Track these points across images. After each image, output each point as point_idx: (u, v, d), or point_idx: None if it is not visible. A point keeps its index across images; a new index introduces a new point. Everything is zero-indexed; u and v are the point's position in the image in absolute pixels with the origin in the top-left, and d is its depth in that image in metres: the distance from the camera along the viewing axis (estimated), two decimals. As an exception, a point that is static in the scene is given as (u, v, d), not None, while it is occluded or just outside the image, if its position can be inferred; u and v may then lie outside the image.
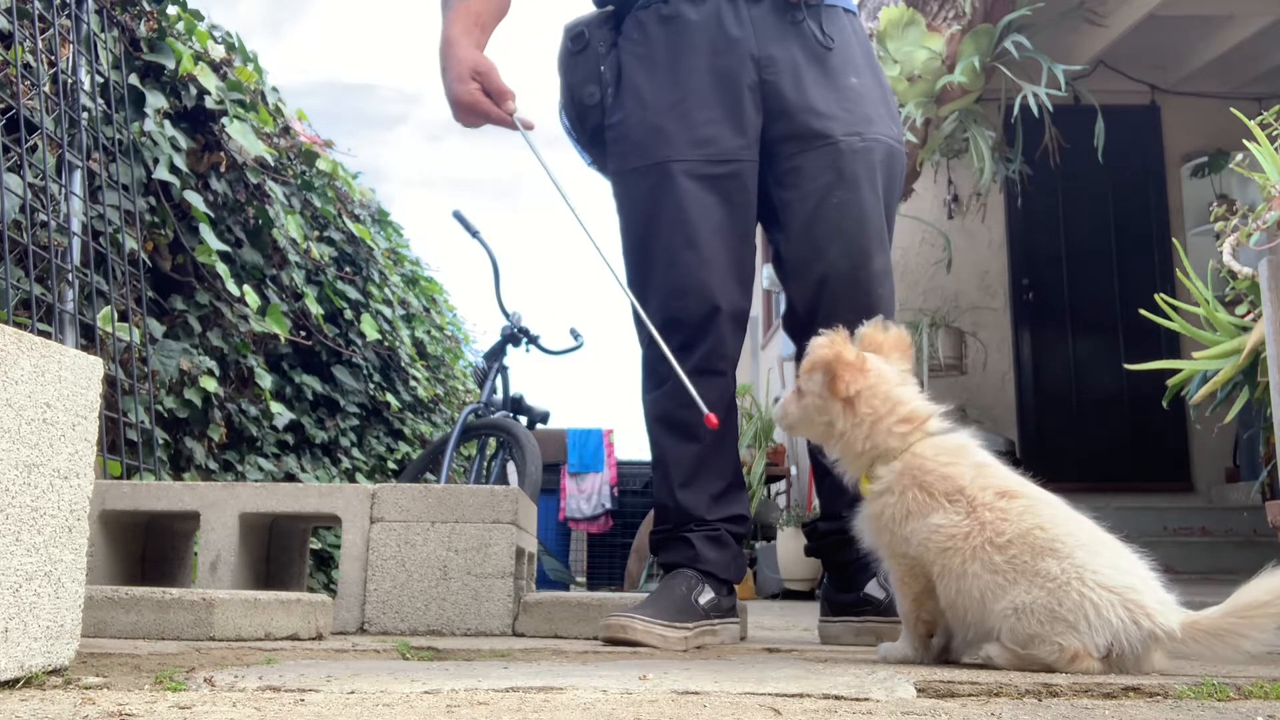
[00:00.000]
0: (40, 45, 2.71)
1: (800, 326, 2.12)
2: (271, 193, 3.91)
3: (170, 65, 3.34)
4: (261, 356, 3.93)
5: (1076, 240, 7.02)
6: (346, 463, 4.72)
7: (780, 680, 1.25)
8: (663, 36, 2.16)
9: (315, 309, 4.32)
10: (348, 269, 4.83)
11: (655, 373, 2.16)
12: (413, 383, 5.60)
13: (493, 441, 4.26)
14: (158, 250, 3.36)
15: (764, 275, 8.29)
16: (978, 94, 5.52)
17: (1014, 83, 5.28)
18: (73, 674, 1.23)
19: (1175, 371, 3.64)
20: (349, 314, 4.73)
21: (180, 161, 3.37)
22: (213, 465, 3.55)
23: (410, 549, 2.36)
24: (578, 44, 2.22)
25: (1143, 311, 3.79)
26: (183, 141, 3.41)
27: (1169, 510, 5.89)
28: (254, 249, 3.87)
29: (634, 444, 10.40)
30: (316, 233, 4.55)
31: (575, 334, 4.64)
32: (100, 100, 3.00)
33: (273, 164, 3.98)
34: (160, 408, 3.21)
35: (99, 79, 3.01)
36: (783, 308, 2.34)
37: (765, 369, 9.51)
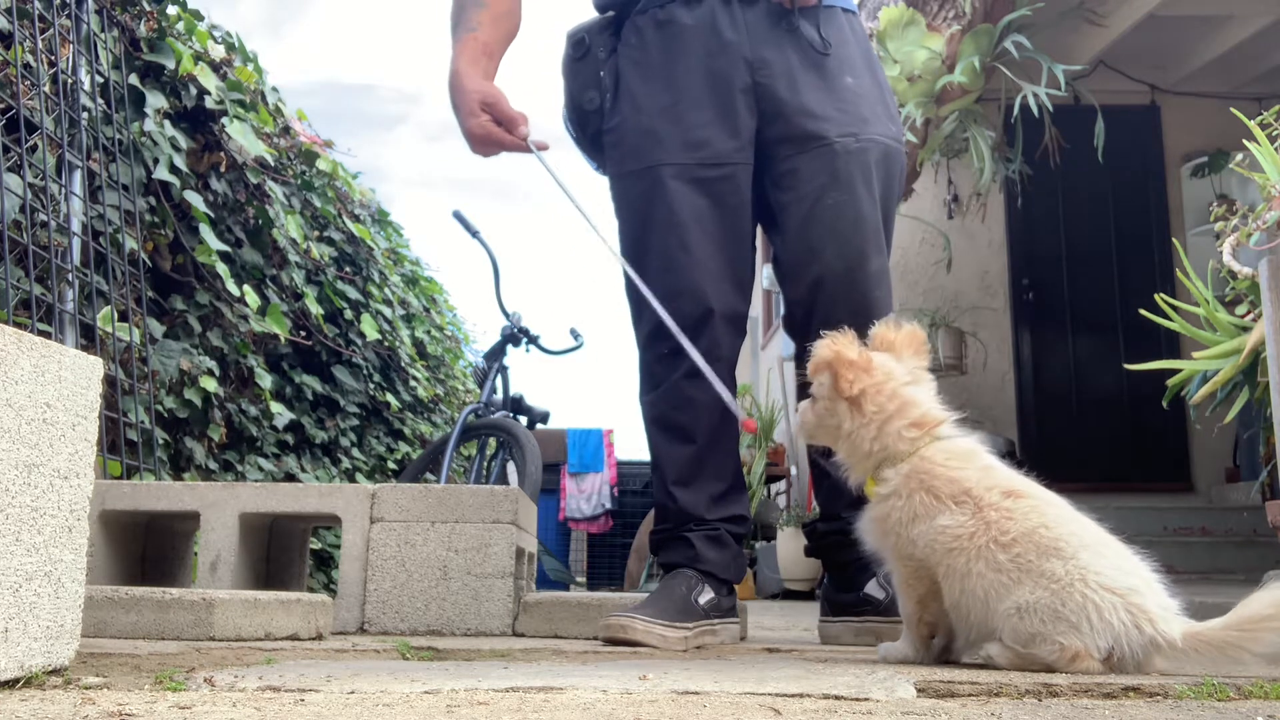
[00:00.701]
0: (40, 45, 2.71)
1: (798, 328, 2.12)
2: (271, 193, 3.91)
3: (170, 65, 3.34)
4: (261, 356, 3.93)
5: (1076, 240, 7.01)
6: (346, 463, 4.72)
7: (780, 680, 1.25)
8: (658, 41, 2.17)
9: (315, 309, 4.32)
10: (348, 269, 4.83)
11: (652, 375, 2.16)
12: (413, 383, 5.60)
13: (493, 441, 4.26)
14: (158, 250, 3.36)
15: (764, 275, 8.29)
16: (978, 94, 5.52)
17: (1014, 83, 5.28)
18: (73, 674, 1.23)
19: (1175, 371, 3.64)
20: (349, 314, 4.73)
21: (180, 161, 3.37)
22: (213, 465, 3.55)
23: (410, 549, 2.36)
24: (578, 50, 2.24)
25: (1143, 311, 3.79)
26: (183, 141, 3.41)
27: (1169, 510, 5.89)
28: (254, 249, 3.87)
29: (634, 444, 10.40)
30: (316, 233, 4.55)
31: (575, 334, 4.64)
32: (100, 100, 3.00)
33: (273, 164, 3.98)
34: (160, 408, 3.21)
35: (99, 79, 3.01)
36: (782, 308, 2.34)
37: (765, 369, 9.51)
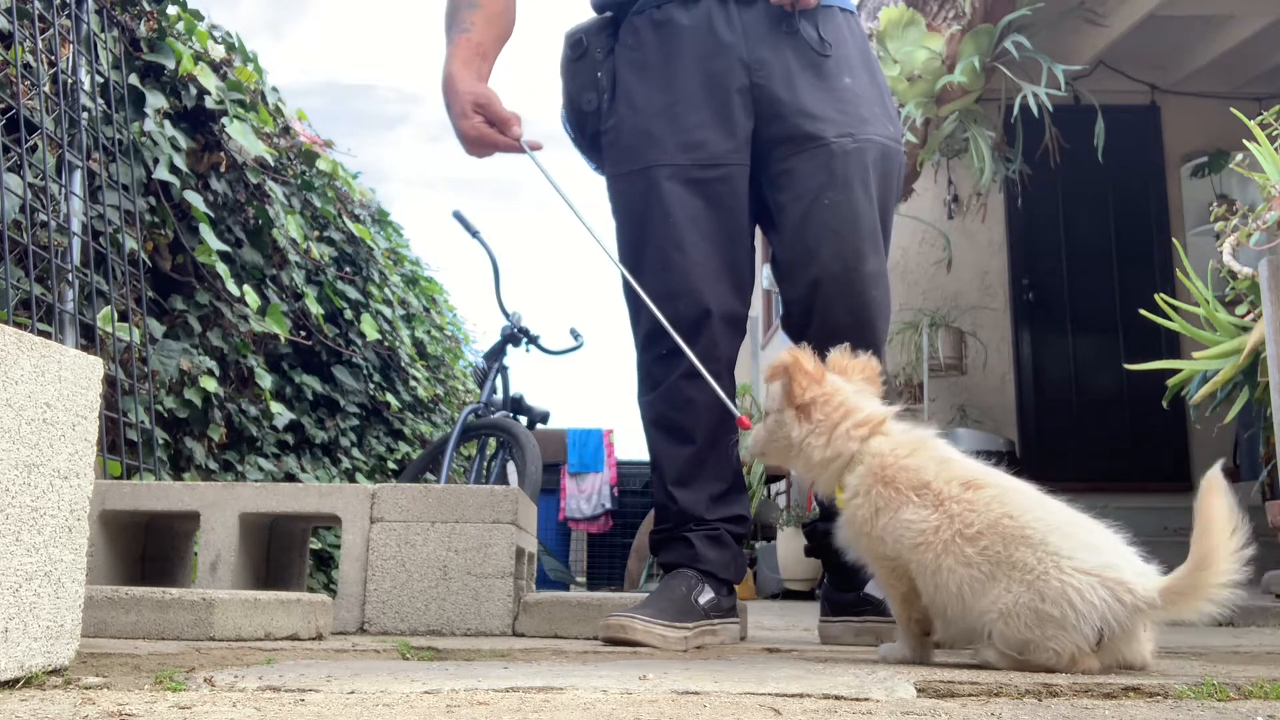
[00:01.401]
0: (40, 45, 2.71)
1: (796, 328, 2.12)
2: (271, 193, 3.91)
3: (170, 65, 3.34)
4: (261, 356, 3.93)
5: (1076, 240, 7.01)
6: (346, 463, 4.72)
7: (780, 680, 1.25)
8: (655, 41, 2.17)
9: (315, 309, 4.32)
10: (348, 269, 4.83)
11: (650, 376, 2.17)
12: (413, 383, 5.60)
13: (493, 441, 4.27)
14: (158, 250, 3.36)
15: (764, 275, 8.29)
16: (978, 94, 5.52)
17: (1014, 83, 5.28)
18: (73, 674, 1.23)
19: (1175, 371, 3.64)
20: (349, 314, 4.73)
21: (180, 161, 3.37)
22: (213, 465, 3.55)
23: (410, 549, 2.36)
24: (576, 51, 2.24)
25: (1143, 311, 3.79)
26: (183, 141, 3.41)
27: (1169, 510, 5.88)
28: (254, 249, 3.87)
29: (634, 444, 10.40)
30: (316, 233, 4.55)
31: (575, 334, 4.64)
32: (100, 100, 3.00)
33: (273, 164, 3.98)
34: (160, 408, 3.21)
35: (99, 79, 3.01)
36: (781, 308, 2.34)
37: (765, 369, 9.50)
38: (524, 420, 4.44)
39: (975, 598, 1.41)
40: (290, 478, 4.08)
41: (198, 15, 3.56)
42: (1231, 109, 3.72)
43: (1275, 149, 3.18)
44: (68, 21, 2.86)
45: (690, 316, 2.07)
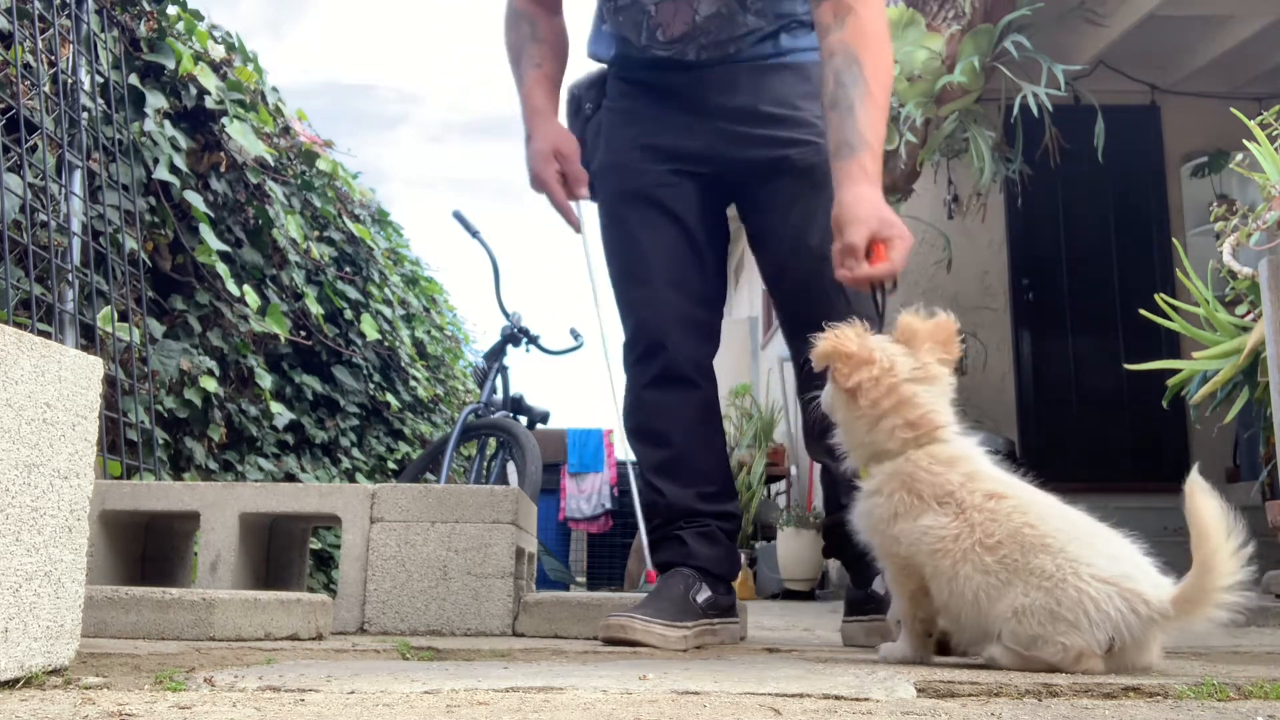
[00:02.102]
0: (40, 45, 2.71)
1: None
2: (271, 193, 3.91)
3: (170, 65, 3.34)
4: (261, 356, 3.93)
5: (1076, 240, 7.00)
6: (346, 463, 4.72)
7: (780, 680, 1.25)
8: (636, 92, 2.24)
9: (315, 309, 4.31)
10: (348, 269, 4.83)
11: (628, 384, 2.24)
12: (413, 383, 5.59)
13: (493, 441, 4.26)
14: (158, 250, 3.36)
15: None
16: (978, 94, 5.51)
17: (1014, 83, 5.27)
18: (73, 674, 1.23)
19: (1175, 371, 3.64)
20: (349, 314, 4.73)
21: (180, 161, 3.37)
22: (213, 465, 3.55)
23: (410, 549, 2.36)
24: (572, 106, 2.34)
25: (1143, 311, 3.79)
26: (183, 141, 3.41)
27: (1169, 510, 5.86)
28: (254, 249, 3.87)
29: (632, 452, 10.39)
30: (316, 233, 4.55)
31: (575, 334, 4.64)
32: (100, 100, 3.00)
33: (273, 164, 3.98)
34: (160, 408, 3.21)
35: (99, 79, 3.01)
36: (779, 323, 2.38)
37: (765, 369, 9.51)
38: (524, 420, 4.43)
39: (991, 604, 1.41)
40: (290, 478, 4.08)
41: (198, 15, 3.56)
42: (1231, 109, 3.72)
43: (1275, 149, 3.18)
44: (68, 21, 2.86)
45: (654, 323, 2.15)
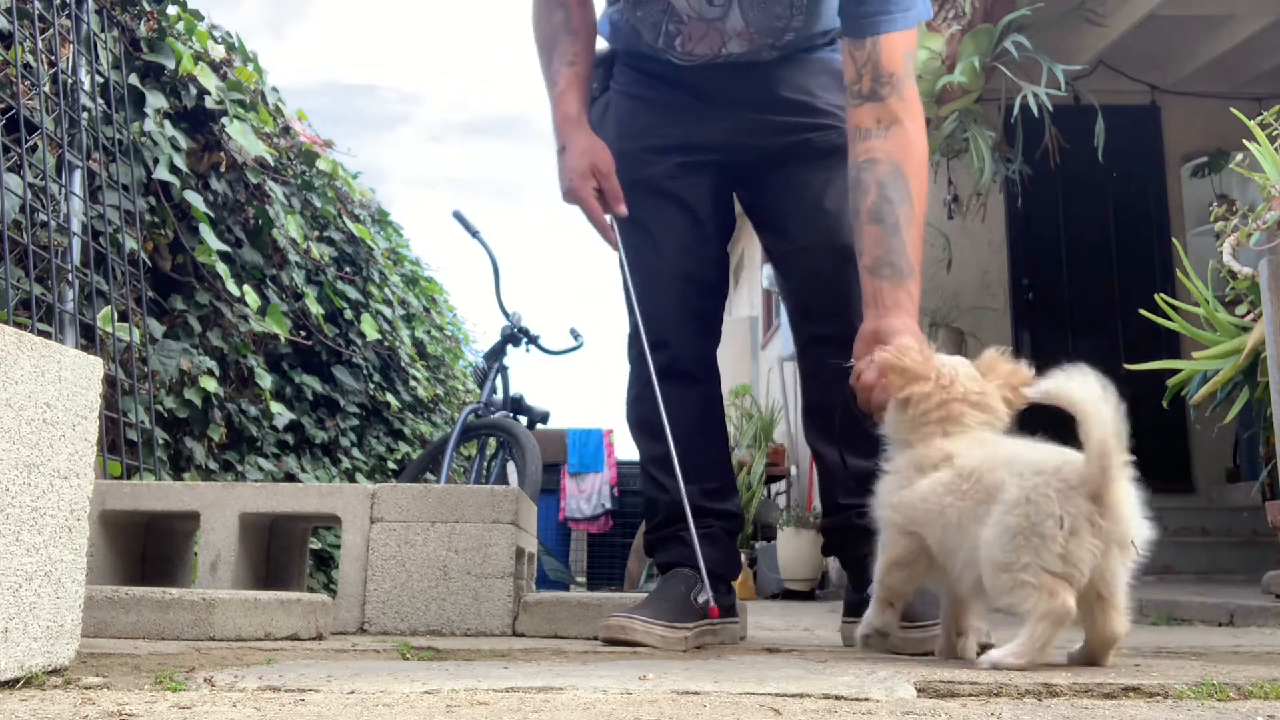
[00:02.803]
0: (40, 45, 2.71)
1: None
2: (271, 193, 3.91)
3: (170, 65, 3.34)
4: (261, 356, 3.93)
5: (1076, 240, 7.01)
6: (346, 463, 4.72)
7: (780, 680, 1.25)
8: (643, 79, 2.21)
9: (315, 309, 4.32)
10: (348, 269, 4.83)
11: (631, 376, 2.23)
12: (413, 383, 5.60)
13: (493, 441, 4.26)
14: (158, 250, 3.36)
15: (764, 275, 8.29)
16: (978, 94, 5.51)
17: (1014, 83, 5.27)
18: (73, 674, 1.23)
19: (1175, 371, 3.64)
20: (349, 314, 4.73)
21: (180, 161, 3.37)
22: (213, 465, 3.55)
23: (410, 549, 2.36)
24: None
25: (1143, 311, 3.79)
26: (183, 141, 3.41)
27: (1169, 510, 5.88)
28: (254, 249, 3.87)
29: (634, 444, 10.39)
30: (316, 233, 4.55)
31: (575, 334, 4.64)
32: (100, 100, 3.00)
33: (273, 164, 3.98)
34: (160, 408, 3.21)
35: (99, 79, 3.01)
36: (783, 308, 2.38)
37: (765, 369, 9.51)
38: (524, 420, 4.43)
39: (968, 524, 1.49)
40: (290, 478, 4.08)
41: (198, 15, 3.56)
42: (1231, 109, 3.72)
43: (1275, 149, 3.18)
44: (68, 21, 2.86)
45: (659, 318, 2.13)
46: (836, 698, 1.12)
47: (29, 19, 2.70)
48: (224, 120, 3.55)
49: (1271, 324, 2.62)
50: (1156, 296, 3.68)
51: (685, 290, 2.16)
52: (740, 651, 1.94)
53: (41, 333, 2.60)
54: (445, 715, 0.98)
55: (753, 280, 10.09)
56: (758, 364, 10.12)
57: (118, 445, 2.90)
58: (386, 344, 5.18)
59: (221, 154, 3.60)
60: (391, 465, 5.28)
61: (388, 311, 5.24)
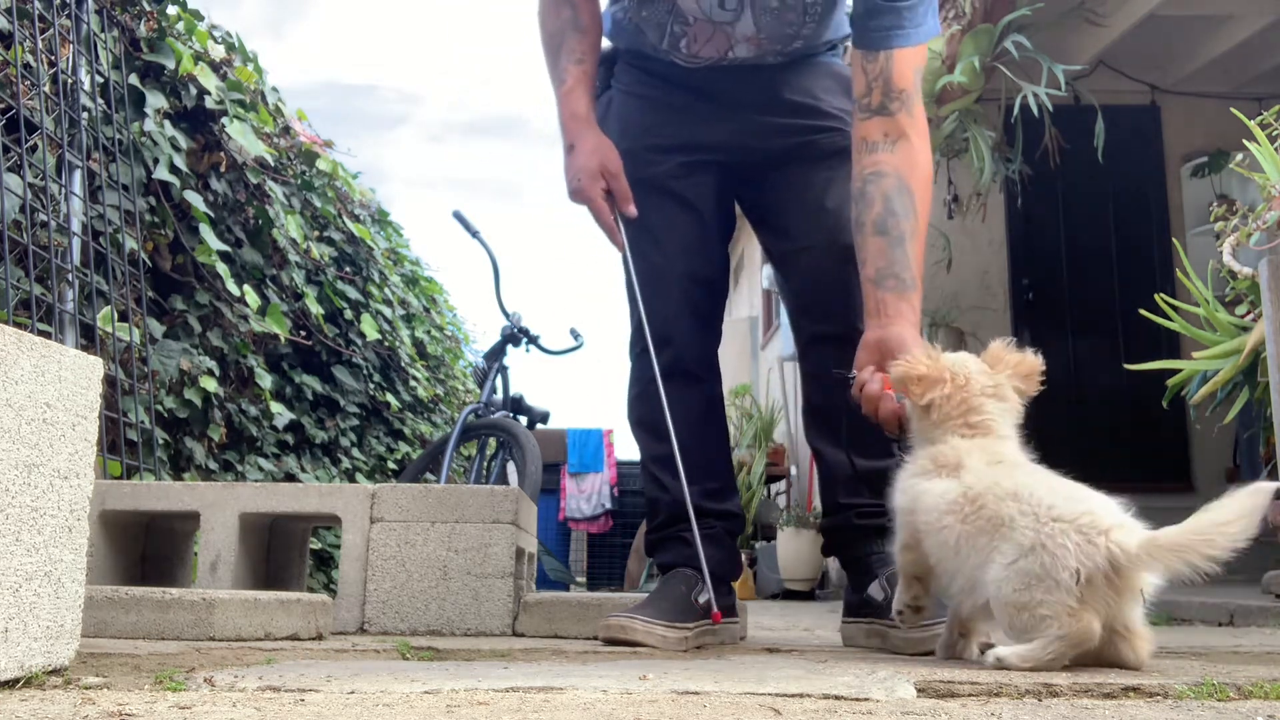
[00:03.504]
0: (40, 45, 2.71)
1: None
2: (271, 193, 3.91)
3: (170, 65, 3.34)
4: (261, 356, 3.93)
5: (1076, 240, 7.00)
6: (346, 463, 4.72)
7: (780, 680, 1.25)
8: (649, 80, 2.21)
9: (315, 309, 4.32)
10: (348, 269, 4.83)
11: (633, 374, 2.23)
12: (413, 383, 5.60)
13: (493, 441, 4.26)
14: (158, 250, 3.36)
15: (764, 275, 8.29)
16: (978, 94, 5.51)
17: (1014, 83, 5.27)
18: (73, 674, 1.23)
19: (1175, 371, 3.64)
20: (349, 314, 4.73)
21: (180, 161, 3.37)
22: (213, 465, 3.55)
23: (410, 549, 2.36)
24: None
25: (1143, 311, 3.79)
26: (183, 141, 3.41)
27: (1169, 510, 5.84)
28: (254, 249, 3.87)
29: (634, 444, 10.39)
30: (316, 233, 4.55)
31: (575, 334, 4.64)
32: (100, 100, 3.00)
33: (273, 164, 3.98)
34: (160, 408, 3.21)
35: (99, 79, 3.01)
36: (784, 308, 2.38)
37: (765, 369, 9.51)
38: (524, 420, 4.43)
39: (967, 553, 1.50)
40: (290, 478, 4.08)
41: (198, 15, 3.56)
42: (1231, 109, 3.72)
43: (1275, 149, 3.18)
44: (68, 21, 2.86)
45: (663, 314, 2.13)
46: (836, 698, 1.12)
47: (29, 19, 2.70)
48: (224, 120, 3.55)
49: (1271, 324, 2.62)
50: (1156, 296, 3.68)
51: (689, 289, 2.16)
52: (740, 651, 1.94)
53: (41, 333, 2.60)
54: (445, 715, 0.98)
55: (753, 280, 10.09)
56: (758, 364, 10.12)
57: (118, 445, 2.90)
58: (386, 344, 5.18)
59: (221, 154, 3.60)
60: (391, 465, 5.28)
61: (388, 311, 5.24)
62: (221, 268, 3.49)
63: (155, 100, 3.25)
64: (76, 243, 2.81)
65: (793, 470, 7.96)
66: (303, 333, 4.27)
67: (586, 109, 2.10)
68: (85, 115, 2.90)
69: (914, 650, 1.83)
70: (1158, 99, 6.95)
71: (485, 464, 4.27)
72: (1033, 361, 1.70)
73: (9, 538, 1.13)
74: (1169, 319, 3.61)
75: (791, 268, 2.20)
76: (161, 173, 3.25)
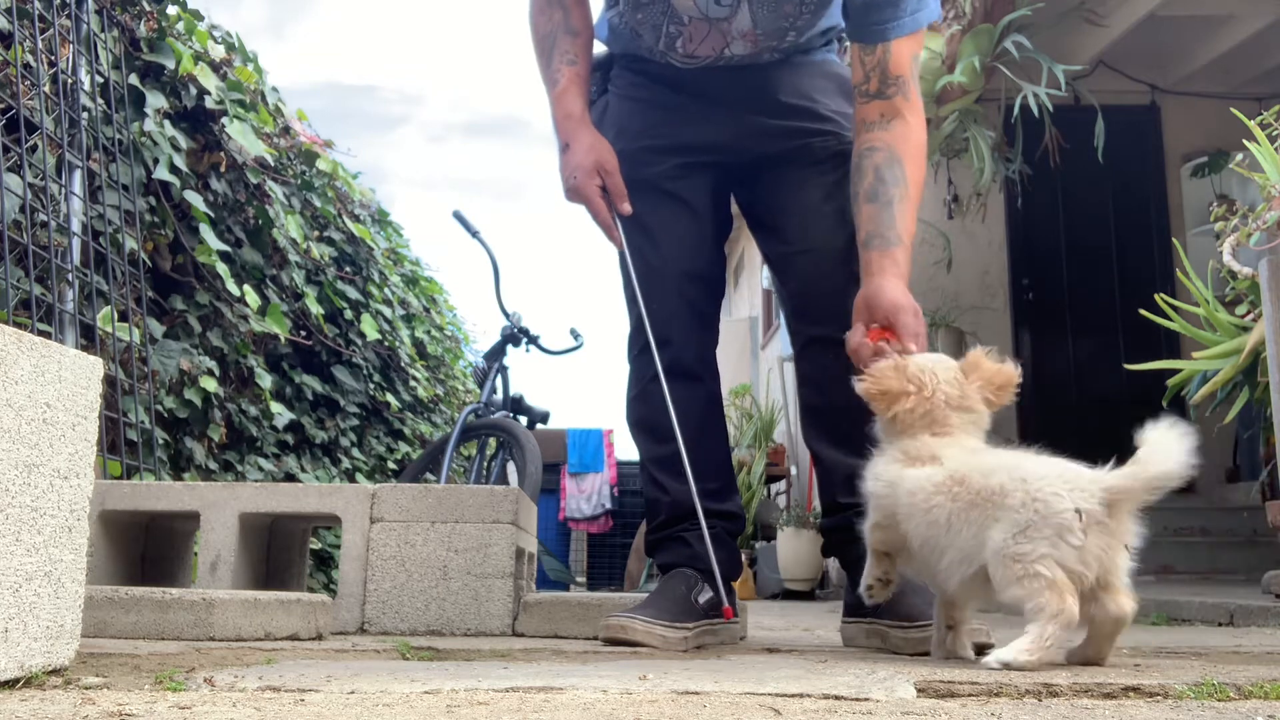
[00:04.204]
0: (40, 45, 2.71)
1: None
2: (271, 193, 3.91)
3: (170, 65, 3.34)
4: (261, 356, 3.93)
5: (1076, 240, 7.01)
6: (346, 463, 4.72)
7: (780, 680, 1.25)
8: (642, 81, 2.21)
9: (315, 309, 4.32)
10: (348, 269, 4.83)
11: (632, 375, 2.22)
12: (413, 383, 5.60)
13: (493, 441, 4.26)
14: (158, 250, 3.36)
15: (764, 275, 8.29)
16: (978, 94, 5.51)
17: (1014, 83, 5.27)
18: (73, 674, 1.23)
19: (1175, 371, 3.64)
20: (349, 314, 4.73)
21: (180, 161, 3.37)
22: (213, 465, 3.55)
23: (410, 549, 2.36)
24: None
25: (1143, 311, 3.79)
26: (183, 141, 3.41)
27: (1169, 510, 5.87)
28: (254, 249, 3.87)
29: (634, 444, 10.38)
30: (316, 233, 4.55)
31: (575, 334, 4.64)
32: (100, 100, 3.00)
33: (273, 164, 3.98)
34: (160, 408, 3.21)
35: (99, 79, 3.01)
36: (784, 308, 2.37)
37: (765, 369, 9.51)
38: (524, 420, 4.44)
39: (960, 526, 1.52)
40: (290, 478, 4.08)
41: (198, 15, 3.56)
42: (1231, 109, 3.72)
43: (1275, 149, 3.18)
44: (68, 21, 2.86)
45: (661, 316, 2.13)
46: (836, 698, 1.12)
47: (29, 19, 2.70)
48: (224, 120, 3.55)
49: (1271, 324, 2.63)
50: (1156, 297, 3.68)
51: (686, 289, 2.16)
52: (740, 651, 1.94)
53: (41, 333, 2.60)
54: (445, 715, 0.98)
55: (753, 280, 10.09)
56: (758, 364, 10.12)
57: (118, 445, 2.90)
58: (386, 344, 5.18)
59: (221, 154, 3.60)
60: (391, 465, 5.28)
61: (388, 311, 5.24)
62: (221, 268, 3.50)
63: (155, 100, 3.25)
64: (76, 243, 2.81)
65: (793, 470, 7.96)
66: (303, 333, 4.27)
67: (581, 108, 2.11)
68: (85, 115, 2.90)
69: (914, 650, 1.84)
70: (1157, 99, 6.95)
71: (485, 464, 4.27)
72: (1008, 373, 1.72)
73: (9, 538, 1.13)
74: (1169, 319, 3.61)
75: (787, 271, 2.20)
76: (161, 173, 3.25)
